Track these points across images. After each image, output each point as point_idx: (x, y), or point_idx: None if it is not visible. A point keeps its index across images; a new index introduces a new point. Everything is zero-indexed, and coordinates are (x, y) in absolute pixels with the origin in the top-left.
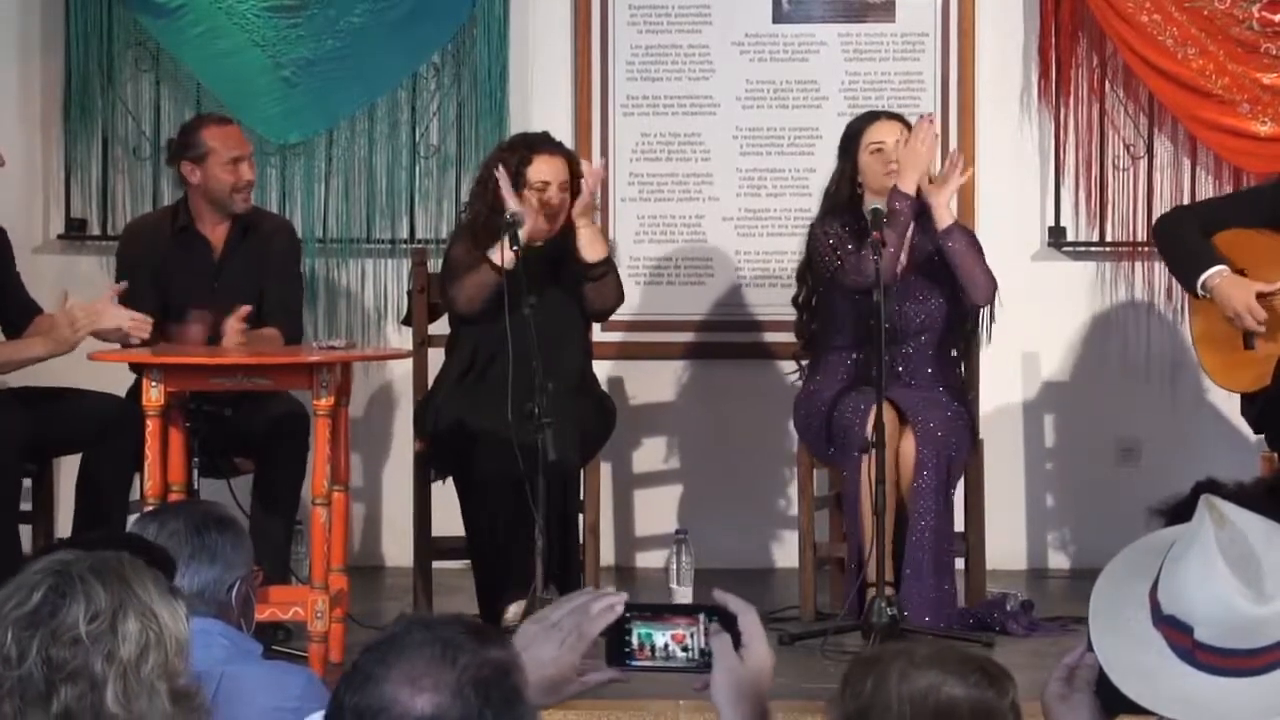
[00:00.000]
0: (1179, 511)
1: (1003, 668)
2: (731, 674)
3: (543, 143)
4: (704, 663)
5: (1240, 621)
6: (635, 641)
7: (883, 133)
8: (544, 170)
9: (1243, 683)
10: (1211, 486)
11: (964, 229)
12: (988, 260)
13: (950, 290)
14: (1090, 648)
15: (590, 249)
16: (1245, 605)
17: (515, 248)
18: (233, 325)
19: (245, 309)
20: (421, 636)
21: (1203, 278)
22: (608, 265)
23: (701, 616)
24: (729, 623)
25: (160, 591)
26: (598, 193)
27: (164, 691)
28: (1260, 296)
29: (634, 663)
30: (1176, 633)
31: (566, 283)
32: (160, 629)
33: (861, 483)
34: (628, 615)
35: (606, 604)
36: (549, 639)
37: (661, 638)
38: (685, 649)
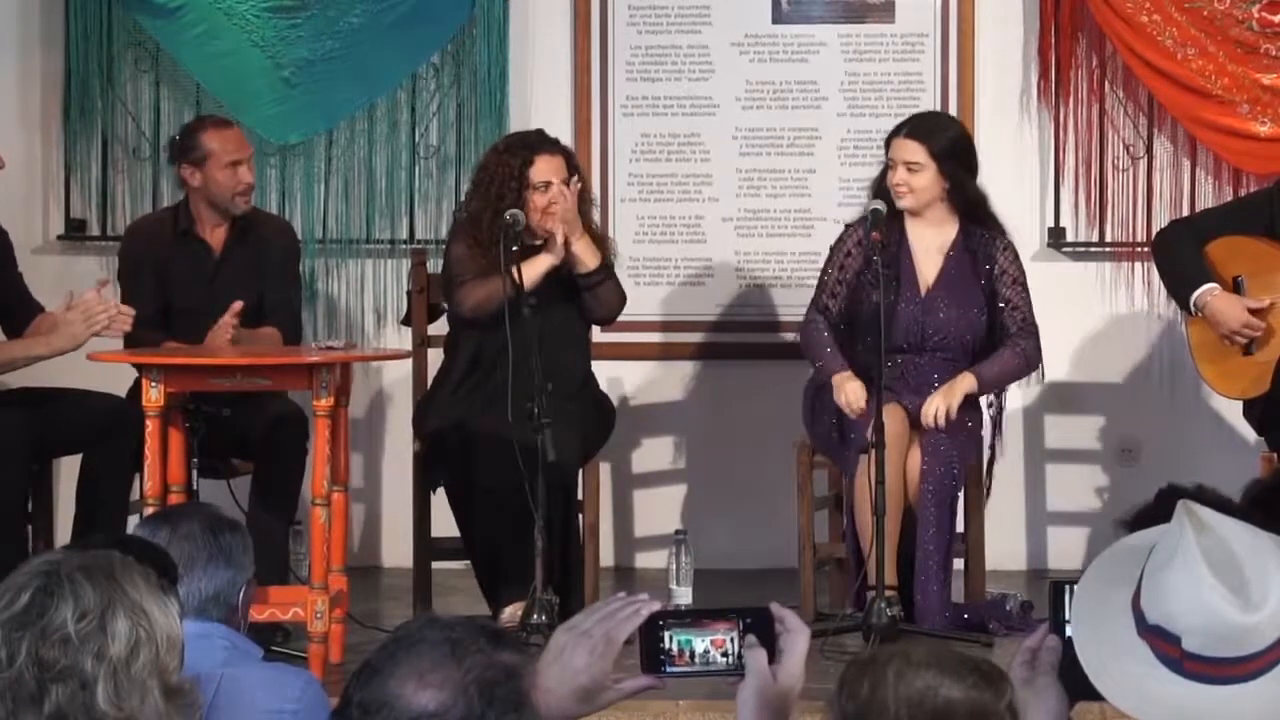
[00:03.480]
0: (1142, 521)
1: (999, 668)
2: (761, 687)
3: (541, 143)
4: (743, 666)
5: (1228, 631)
6: (674, 649)
7: (895, 150)
8: (545, 170)
9: (1230, 690)
10: (1174, 493)
11: (991, 374)
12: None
13: (973, 309)
14: (1052, 630)
15: (583, 259)
16: (1233, 614)
17: (514, 249)
18: (225, 321)
19: (238, 305)
20: (434, 635)
21: (1194, 296)
22: (604, 273)
23: (739, 620)
24: (765, 632)
25: (150, 588)
26: (596, 200)
27: (156, 689)
28: (1251, 313)
29: (671, 669)
30: (1163, 643)
31: (566, 284)
32: (150, 626)
33: (859, 483)
34: (661, 622)
35: (634, 608)
36: (580, 647)
37: (701, 644)
38: (725, 654)
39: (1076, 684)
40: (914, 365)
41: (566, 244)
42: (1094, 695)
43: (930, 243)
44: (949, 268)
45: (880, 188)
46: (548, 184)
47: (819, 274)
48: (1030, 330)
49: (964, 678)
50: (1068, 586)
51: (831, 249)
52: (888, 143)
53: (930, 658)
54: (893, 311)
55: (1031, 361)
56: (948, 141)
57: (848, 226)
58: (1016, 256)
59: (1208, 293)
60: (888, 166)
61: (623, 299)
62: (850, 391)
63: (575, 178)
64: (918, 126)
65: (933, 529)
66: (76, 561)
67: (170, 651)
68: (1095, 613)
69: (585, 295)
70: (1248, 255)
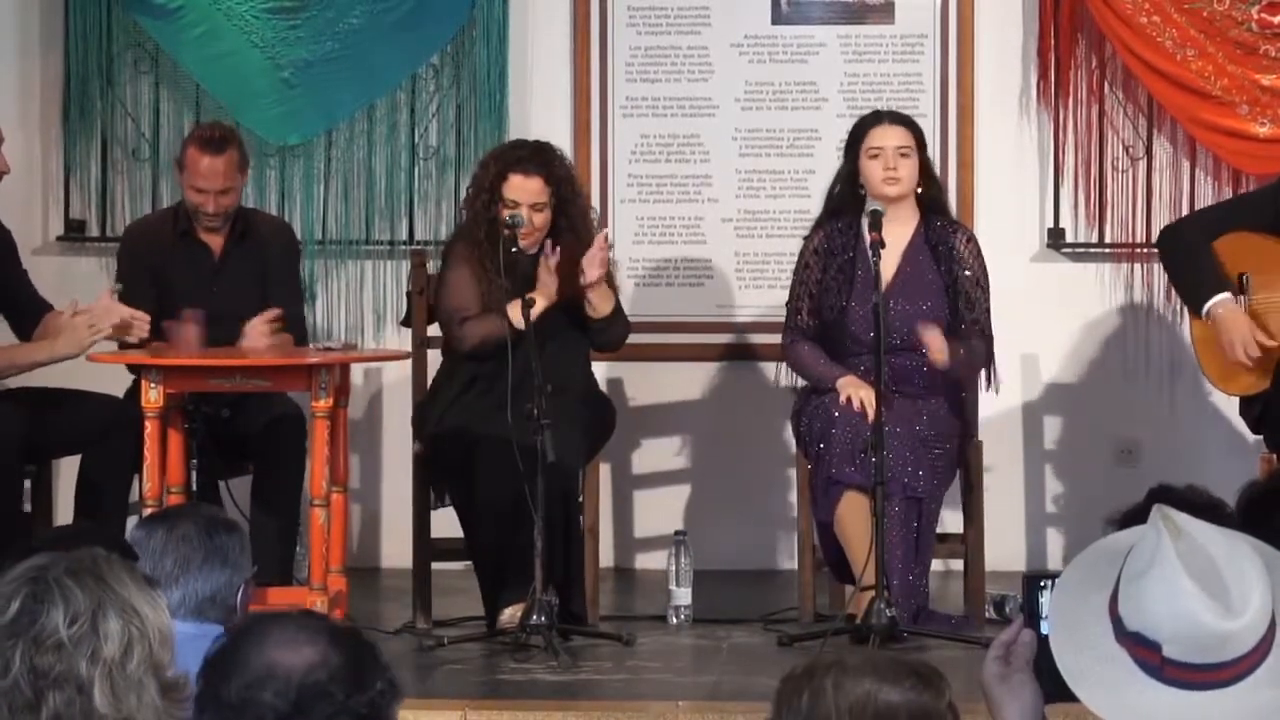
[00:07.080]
0: (1131, 521)
1: (936, 670)
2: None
3: (519, 162)
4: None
5: (1209, 638)
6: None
7: (882, 137)
8: (515, 190)
9: (1210, 696)
10: (1165, 493)
11: (961, 353)
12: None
13: (928, 301)
14: (1026, 624)
15: (598, 306)
16: (1214, 621)
17: (514, 249)
18: (259, 327)
19: (275, 312)
20: (269, 619)
21: (1208, 306)
22: (611, 318)
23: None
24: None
25: (138, 585)
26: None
27: (152, 686)
28: (1261, 347)
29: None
30: (1143, 649)
31: (561, 285)
32: (142, 623)
33: (843, 517)
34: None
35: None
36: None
37: None
38: None
39: (1051, 681)
40: (887, 365)
41: (583, 290)
42: (1068, 696)
43: (890, 240)
44: (905, 264)
45: (839, 194)
46: (515, 204)
47: (789, 292)
48: (985, 338)
49: (902, 680)
50: (1042, 581)
51: (796, 265)
52: (860, 136)
53: (866, 665)
54: (851, 314)
55: (977, 361)
56: (921, 131)
57: (805, 238)
58: (979, 250)
59: (1220, 304)
60: (854, 160)
61: (626, 334)
62: (853, 389)
63: (605, 231)
64: (893, 115)
65: (900, 526)
66: (63, 564)
67: (163, 646)
68: (1073, 617)
69: (593, 333)
70: (1255, 252)
